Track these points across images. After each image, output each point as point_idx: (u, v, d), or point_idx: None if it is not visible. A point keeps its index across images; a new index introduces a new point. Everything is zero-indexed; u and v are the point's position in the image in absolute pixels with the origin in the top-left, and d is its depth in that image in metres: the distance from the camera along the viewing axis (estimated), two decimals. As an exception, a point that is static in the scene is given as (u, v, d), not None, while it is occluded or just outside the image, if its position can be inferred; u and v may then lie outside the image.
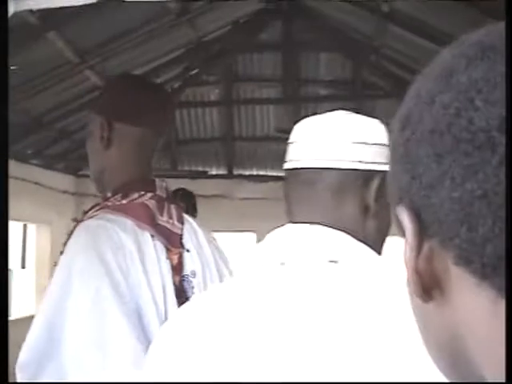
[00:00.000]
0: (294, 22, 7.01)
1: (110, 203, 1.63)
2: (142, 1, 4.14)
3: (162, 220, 1.62)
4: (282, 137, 7.81)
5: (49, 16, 4.58)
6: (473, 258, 0.41)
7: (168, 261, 1.59)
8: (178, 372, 0.91)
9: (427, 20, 5.03)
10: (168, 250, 1.60)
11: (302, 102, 7.89)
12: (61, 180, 8.03)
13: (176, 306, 1.55)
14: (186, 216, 1.71)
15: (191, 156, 8.61)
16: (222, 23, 6.81)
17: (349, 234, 0.98)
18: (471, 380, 0.45)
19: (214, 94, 8.07)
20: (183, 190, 4.14)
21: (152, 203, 1.62)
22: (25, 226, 10.00)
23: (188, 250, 1.64)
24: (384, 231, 1.04)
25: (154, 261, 1.56)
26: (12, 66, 4.48)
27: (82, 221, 1.61)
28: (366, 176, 1.00)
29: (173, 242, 1.62)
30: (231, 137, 8.37)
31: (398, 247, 0.59)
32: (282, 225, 1.01)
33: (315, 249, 0.95)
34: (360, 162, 0.99)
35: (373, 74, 7.35)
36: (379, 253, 1.01)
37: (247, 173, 8.73)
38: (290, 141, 1.06)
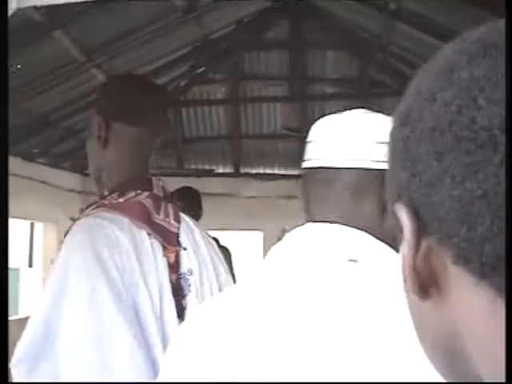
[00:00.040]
0: (301, 20, 7.01)
1: (106, 201, 1.63)
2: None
3: (159, 218, 1.63)
4: (288, 135, 7.87)
5: (55, 14, 4.59)
6: (471, 257, 0.41)
7: (165, 259, 1.60)
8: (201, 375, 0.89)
9: (435, 18, 5.03)
10: (165, 248, 1.61)
11: (308, 100, 7.90)
12: (67, 179, 8.06)
13: (173, 303, 1.56)
14: (182, 215, 1.72)
15: (198, 154, 8.63)
16: (228, 21, 6.81)
17: (367, 232, 0.98)
18: (467, 379, 0.45)
19: (220, 92, 8.07)
20: (188, 188, 4.14)
21: (148, 202, 1.63)
22: (32, 224, 10.03)
23: (185, 248, 1.65)
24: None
25: (150, 259, 1.56)
26: (17, 64, 4.50)
27: (78, 219, 1.62)
28: (384, 175, 1.00)
29: (169, 241, 1.62)
30: (238, 135, 8.38)
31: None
32: (302, 224, 1.01)
33: (335, 248, 0.96)
34: (378, 161, 1.00)
35: (380, 72, 7.33)
36: (397, 251, 1.01)
37: (254, 171, 8.74)
38: (308, 139, 1.06)
